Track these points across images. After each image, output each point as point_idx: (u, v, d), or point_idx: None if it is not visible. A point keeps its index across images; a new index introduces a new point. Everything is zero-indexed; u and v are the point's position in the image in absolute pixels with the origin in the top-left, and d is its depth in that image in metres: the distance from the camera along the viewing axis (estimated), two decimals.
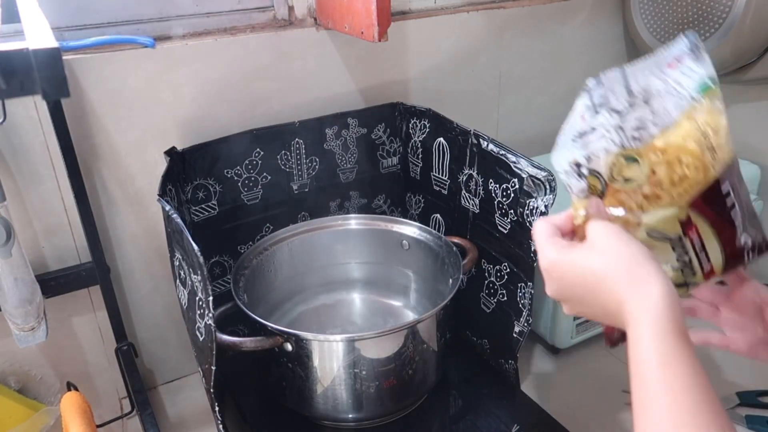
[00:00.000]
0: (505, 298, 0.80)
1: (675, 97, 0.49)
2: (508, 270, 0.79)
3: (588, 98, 0.50)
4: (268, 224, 0.88)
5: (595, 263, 0.45)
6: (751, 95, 1.05)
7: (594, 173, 0.49)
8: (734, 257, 0.50)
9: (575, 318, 0.88)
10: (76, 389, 0.75)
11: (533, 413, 0.79)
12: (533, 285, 0.75)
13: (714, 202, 0.49)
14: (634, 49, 1.14)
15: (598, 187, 0.50)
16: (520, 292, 0.77)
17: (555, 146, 0.51)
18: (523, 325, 0.77)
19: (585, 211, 0.49)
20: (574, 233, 0.50)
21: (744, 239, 0.50)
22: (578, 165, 0.50)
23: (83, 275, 0.79)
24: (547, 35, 1.08)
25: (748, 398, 0.82)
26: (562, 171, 0.51)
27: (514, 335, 0.79)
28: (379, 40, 0.75)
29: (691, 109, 0.49)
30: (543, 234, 0.49)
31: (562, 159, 0.51)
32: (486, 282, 0.83)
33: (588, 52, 1.14)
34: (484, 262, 0.83)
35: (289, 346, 0.69)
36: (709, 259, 0.50)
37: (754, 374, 0.87)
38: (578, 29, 1.11)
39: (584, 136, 0.50)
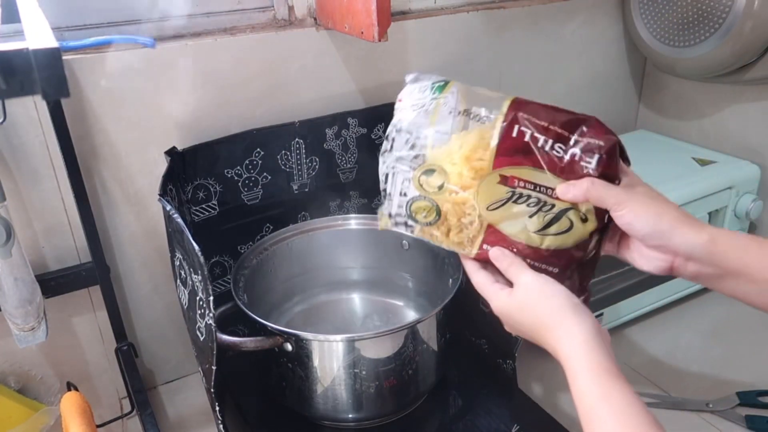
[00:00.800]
0: None
1: (418, 110, 0.57)
2: None
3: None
4: (268, 224, 0.88)
5: (528, 318, 0.53)
6: (751, 95, 1.05)
7: (418, 199, 0.58)
8: (571, 172, 0.53)
9: None
10: (76, 389, 0.75)
11: (533, 413, 0.79)
12: None
13: (515, 149, 0.54)
14: (634, 49, 1.14)
15: (432, 206, 0.57)
16: None
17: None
18: None
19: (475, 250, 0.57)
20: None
21: (572, 151, 0.53)
22: (390, 215, 0.60)
23: (83, 275, 0.79)
24: (547, 35, 1.08)
25: (748, 398, 0.83)
26: (389, 227, 0.60)
27: (513, 335, 0.79)
28: (379, 40, 0.75)
29: (437, 106, 0.56)
30: (483, 285, 0.57)
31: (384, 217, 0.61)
32: None
33: (588, 52, 1.14)
34: None
35: (289, 346, 0.69)
36: (550, 187, 0.54)
37: (754, 374, 0.87)
38: (578, 29, 1.11)
39: (387, 182, 0.59)
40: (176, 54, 0.78)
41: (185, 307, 0.69)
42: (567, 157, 0.53)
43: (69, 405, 0.69)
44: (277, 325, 0.69)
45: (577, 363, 0.48)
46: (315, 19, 0.88)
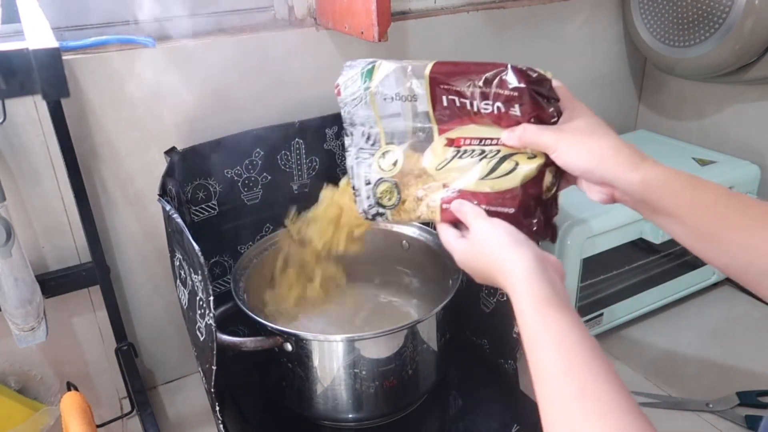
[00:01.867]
0: (505, 298, 0.80)
1: (359, 102, 0.61)
2: None
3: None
4: (268, 224, 0.88)
5: (481, 263, 0.55)
6: (751, 95, 1.05)
7: (380, 182, 0.61)
8: (509, 120, 0.55)
9: None
10: (76, 389, 0.75)
11: (533, 413, 0.78)
12: None
13: (451, 114, 0.58)
14: (634, 49, 1.14)
15: (392, 185, 0.61)
16: None
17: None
18: None
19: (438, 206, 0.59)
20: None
21: (497, 105, 0.55)
22: (364, 212, 0.63)
23: (83, 275, 0.79)
24: (547, 35, 1.08)
25: (748, 398, 0.83)
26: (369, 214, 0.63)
27: (514, 335, 0.79)
28: (379, 40, 0.75)
29: (372, 97, 0.61)
30: (447, 241, 0.59)
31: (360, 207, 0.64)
32: None
33: (588, 52, 1.14)
34: None
35: (289, 346, 0.69)
36: (495, 137, 0.56)
37: (754, 374, 0.87)
38: (578, 29, 1.11)
39: (353, 176, 0.63)
40: (176, 54, 0.78)
41: (185, 307, 0.69)
42: (496, 111, 0.55)
43: (69, 405, 0.69)
44: (277, 325, 0.69)
45: (520, 295, 0.49)
46: (315, 19, 0.88)
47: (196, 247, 0.58)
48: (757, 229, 0.47)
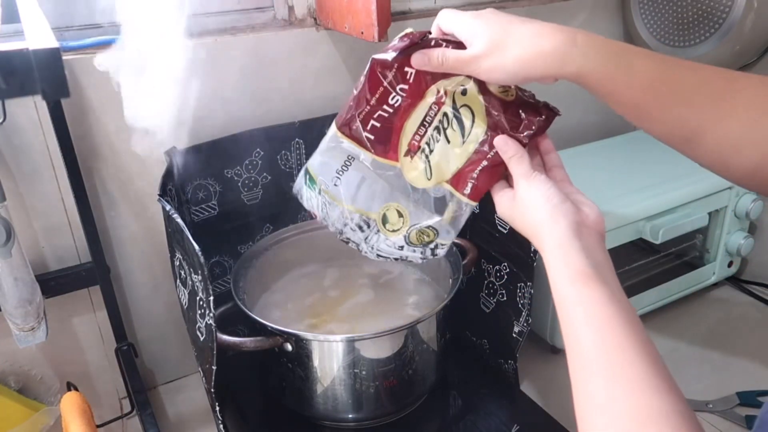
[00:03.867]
0: (505, 298, 0.80)
1: (327, 208, 0.60)
2: (508, 270, 0.79)
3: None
4: (268, 224, 0.88)
5: (520, 226, 0.54)
6: None
7: (409, 235, 0.60)
8: (422, 86, 0.56)
9: None
10: (76, 389, 0.75)
11: (533, 413, 0.79)
12: (533, 285, 0.75)
13: (380, 139, 0.57)
14: None
15: (417, 227, 0.60)
16: (520, 292, 0.77)
17: None
18: (523, 325, 0.77)
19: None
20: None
21: (400, 87, 0.56)
22: (423, 259, 0.62)
23: (83, 275, 0.79)
24: None
25: (748, 398, 0.83)
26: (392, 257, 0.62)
27: (514, 335, 0.79)
28: (379, 40, 0.75)
29: (327, 193, 0.59)
30: (494, 189, 0.58)
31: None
32: (486, 282, 0.83)
33: None
34: (483, 262, 0.83)
35: (289, 346, 0.69)
36: (430, 106, 0.56)
37: (754, 374, 0.87)
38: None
39: (387, 258, 0.62)
40: (176, 54, 0.78)
41: (185, 307, 0.69)
42: (405, 95, 0.55)
43: (69, 405, 0.69)
44: (277, 325, 0.69)
45: (552, 267, 0.48)
46: (315, 19, 0.88)
47: (196, 247, 0.58)
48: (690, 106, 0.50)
